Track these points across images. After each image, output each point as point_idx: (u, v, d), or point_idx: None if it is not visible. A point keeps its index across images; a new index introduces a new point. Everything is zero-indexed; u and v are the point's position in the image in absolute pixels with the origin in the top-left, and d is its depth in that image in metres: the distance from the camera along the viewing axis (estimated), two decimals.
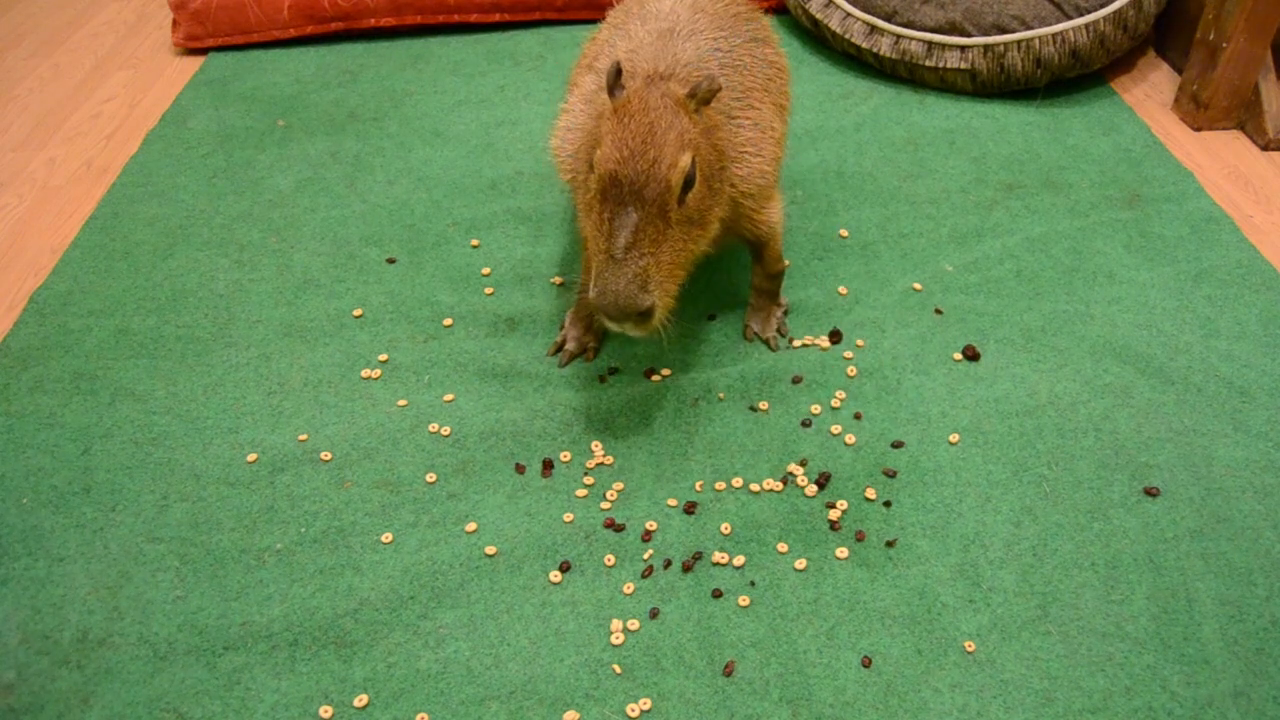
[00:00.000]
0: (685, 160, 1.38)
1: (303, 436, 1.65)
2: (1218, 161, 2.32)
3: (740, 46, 1.68)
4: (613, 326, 1.42)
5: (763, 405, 1.70)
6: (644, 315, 1.39)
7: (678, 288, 1.46)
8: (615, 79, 1.43)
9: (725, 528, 1.49)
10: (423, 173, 2.32)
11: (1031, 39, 2.42)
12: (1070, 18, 2.41)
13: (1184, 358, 1.77)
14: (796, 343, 1.82)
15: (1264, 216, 2.14)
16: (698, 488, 1.56)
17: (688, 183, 1.40)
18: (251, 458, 1.62)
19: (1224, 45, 2.29)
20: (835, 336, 1.82)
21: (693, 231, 1.45)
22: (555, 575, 1.43)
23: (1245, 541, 1.46)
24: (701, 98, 1.43)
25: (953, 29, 2.47)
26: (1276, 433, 1.63)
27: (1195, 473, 1.56)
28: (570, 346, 1.79)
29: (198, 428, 1.68)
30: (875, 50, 2.58)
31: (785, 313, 1.87)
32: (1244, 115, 2.41)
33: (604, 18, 1.87)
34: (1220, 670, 1.31)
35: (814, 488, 1.55)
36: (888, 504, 1.53)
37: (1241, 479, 1.55)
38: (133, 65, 2.86)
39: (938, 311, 1.89)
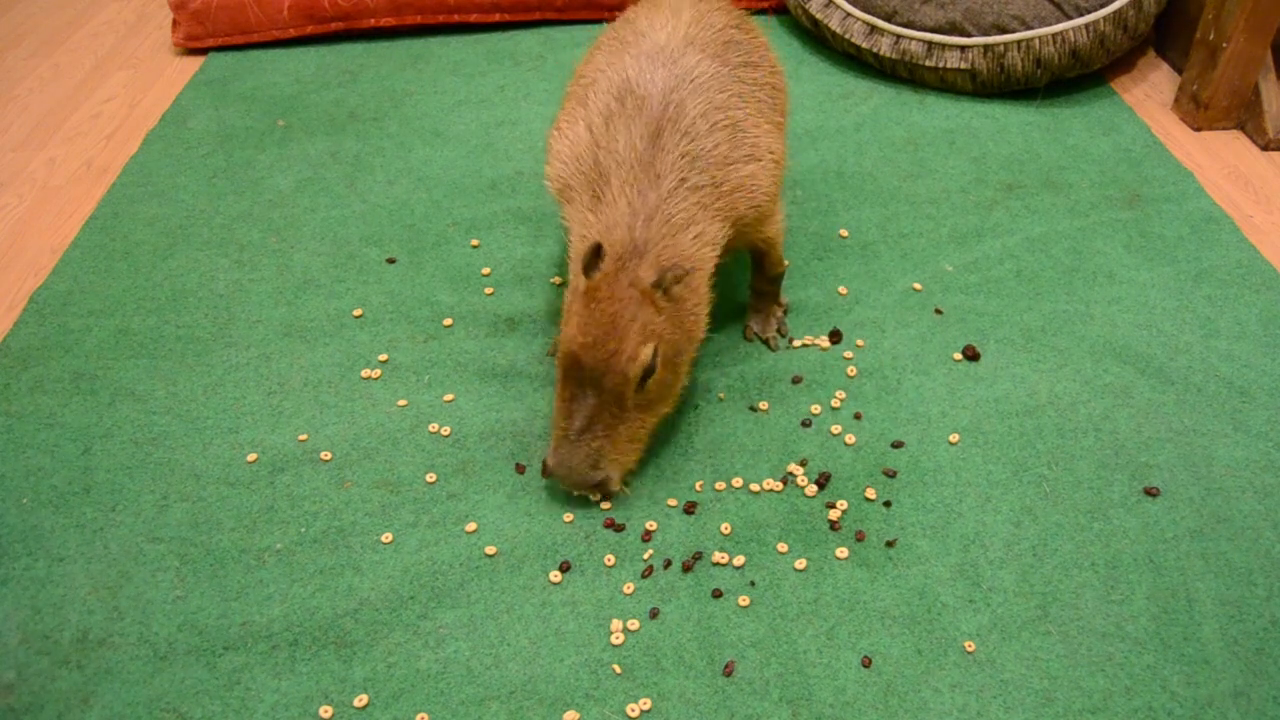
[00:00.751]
0: (645, 354, 1.43)
1: (303, 436, 1.65)
2: (1218, 161, 2.32)
3: (733, 75, 1.66)
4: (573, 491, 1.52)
5: (763, 405, 1.70)
6: (598, 486, 1.49)
7: (639, 453, 1.54)
8: (593, 259, 1.45)
9: (725, 528, 1.49)
10: (423, 173, 2.32)
11: (1031, 39, 2.42)
12: (1070, 18, 2.41)
13: (1184, 358, 1.77)
14: (796, 343, 1.82)
15: (1264, 216, 2.14)
16: (698, 488, 1.56)
17: (647, 372, 1.45)
18: (251, 458, 1.62)
19: (1224, 45, 2.29)
20: (835, 336, 1.82)
21: (654, 408, 1.52)
22: (555, 575, 1.43)
23: (1245, 541, 1.46)
24: (668, 285, 1.44)
25: (953, 29, 2.47)
26: (1276, 433, 1.63)
27: (1195, 473, 1.56)
28: None
29: (198, 428, 1.68)
30: (875, 50, 2.58)
31: (785, 313, 1.87)
32: (1244, 115, 2.41)
33: (604, 18, 1.86)
34: (1220, 670, 1.31)
35: (814, 488, 1.55)
36: (888, 504, 1.53)
37: (1241, 479, 1.55)
38: (133, 65, 2.86)
39: (938, 311, 1.89)
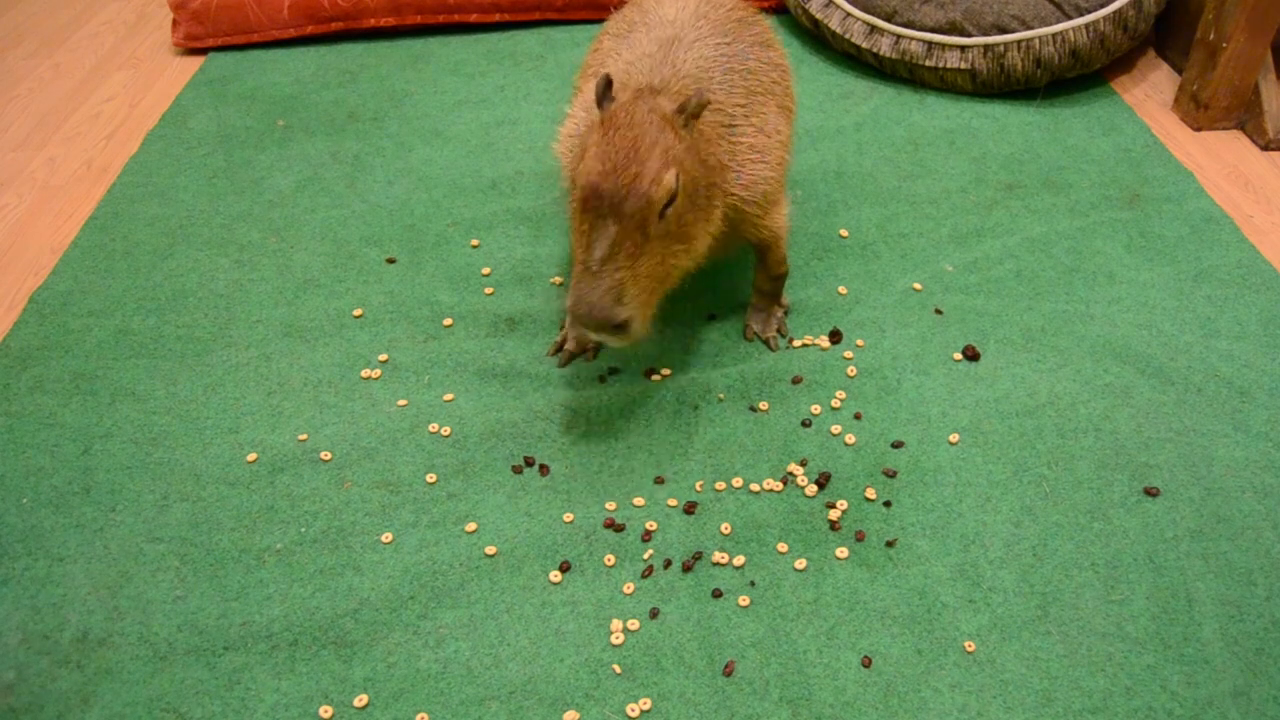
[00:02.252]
0: (669, 177, 1.38)
1: (303, 436, 1.65)
2: (1218, 161, 2.32)
3: (744, 51, 1.68)
4: (592, 336, 1.43)
5: (763, 405, 1.70)
6: (619, 327, 1.40)
7: (658, 299, 1.47)
8: (605, 91, 1.42)
9: (725, 528, 1.49)
10: (423, 173, 2.32)
11: (1031, 39, 2.42)
12: (1070, 18, 2.41)
13: (1184, 358, 1.77)
14: (796, 343, 1.82)
15: (1264, 216, 2.14)
16: (698, 488, 1.56)
17: (669, 199, 1.40)
18: (251, 458, 1.62)
19: (1224, 45, 2.29)
20: (835, 336, 1.82)
21: (673, 246, 1.45)
22: (555, 575, 1.43)
23: (1245, 541, 1.46)
24: (691, 113, 1.42)
25: (953, 29, 2.47)
26: (1276, 433, 1.63)
27: (1195, 473, 1.56)
28: (570, 346, 1.79)
29: (198, 428, 1.68)
30: (875, 50, 2.58)
31: (786, 313, 1.87)
32: (1244, 115, 2.41)
33: (604, 18, 1.87)
34: (1220, 670, 1.31)
35: (814, 488, 1.55)
36: (888, 504, 1.53)
37: (1241, 479, 1.55)
38: (133, 65, 2.86)
39: (938, 311, 1.89)
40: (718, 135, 1.54)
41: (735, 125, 1.58)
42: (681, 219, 1.44)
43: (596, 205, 1.38)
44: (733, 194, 1.57)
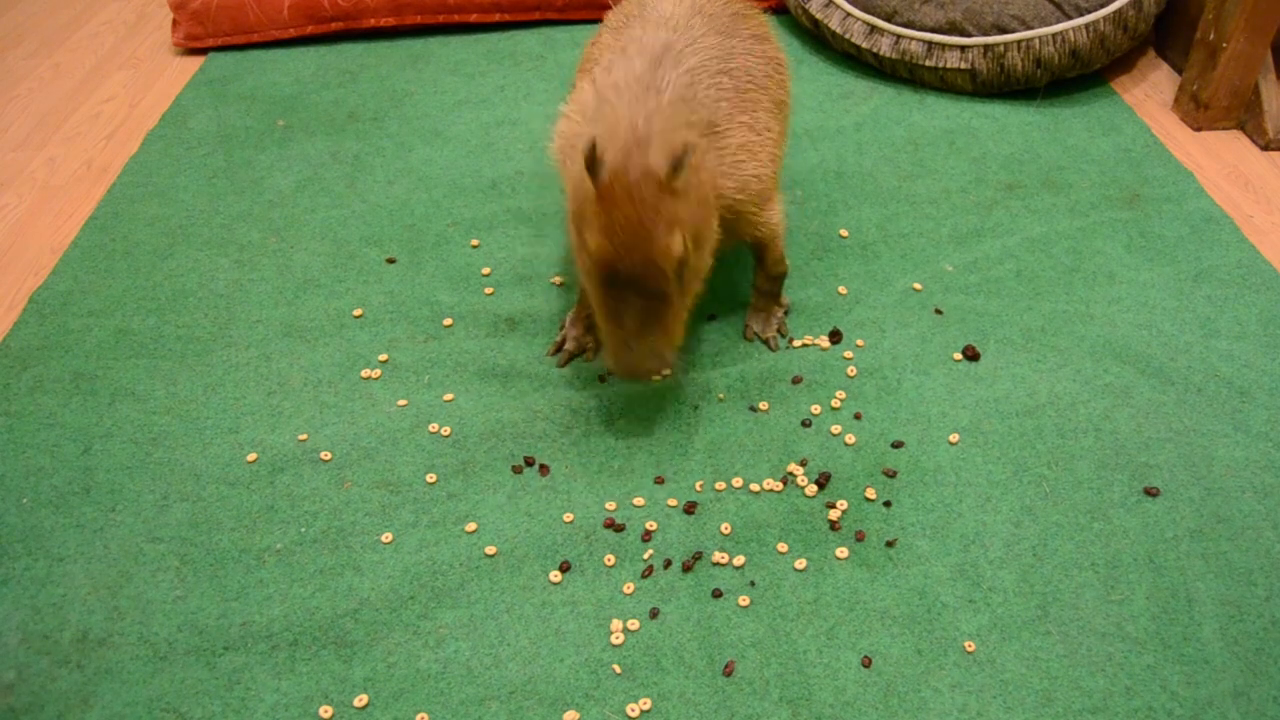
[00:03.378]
0: (676, 244, 1.41)
1: (303, 436, 1.65)
2: (1218, 161, 2.32)
3: (739, 46, 1.68)
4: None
5: (763, 405, 1.70)
6: (658, 370, 1.51)
7: (684, 328, 1.55)
8: (592, 158, 1.37)
9: (725, 528, 1.49)
10: (423, 173, 2.32)
11: (1031, 39, 2.42)
12: (1070, 18, 2.41)
13: (1184, 358, 1.77)
14: (796, 343, 1.82)
15: (1264, 216, 2.14)
16: (698, 488, 1.56)
17: (681, 262, 1.44)
18: (251, 458, 1.62)
19: (1224, 45, 2.29)
20: (835, 336, 1.82)
21: (690, 288, 1.52)
22: (555, 575, 1.44)
23: (1245, 541, 1.46)
24: (678, 165, 1.39)
25: (953, 29, 2.47)
26: (1276, 433, 1.63)
27: (1195, 473, 1.56)
28: (570, 346, 1.79)
29: (198, 428, 1.68)
30: (875, 50, 2.58)
31: (786, 313, 1.87)
32: (1244, 115, 2.41)
33: (604, 18, 1.87)
34: (1220, 670, 1.31)
35: (814, 488, 1.55)
36: (888, 504, 1.53)
37: (1241, 479, 1.55)
38: (133, 65, 2.86)
39: (938, 311, 1.89)
40: (704, 148, 1.51)
41: (721, 130, 1.57)
42: (694, 269, 1.49)
43: (614, 279, 1.44)
44: (726, 195, 1.58)
